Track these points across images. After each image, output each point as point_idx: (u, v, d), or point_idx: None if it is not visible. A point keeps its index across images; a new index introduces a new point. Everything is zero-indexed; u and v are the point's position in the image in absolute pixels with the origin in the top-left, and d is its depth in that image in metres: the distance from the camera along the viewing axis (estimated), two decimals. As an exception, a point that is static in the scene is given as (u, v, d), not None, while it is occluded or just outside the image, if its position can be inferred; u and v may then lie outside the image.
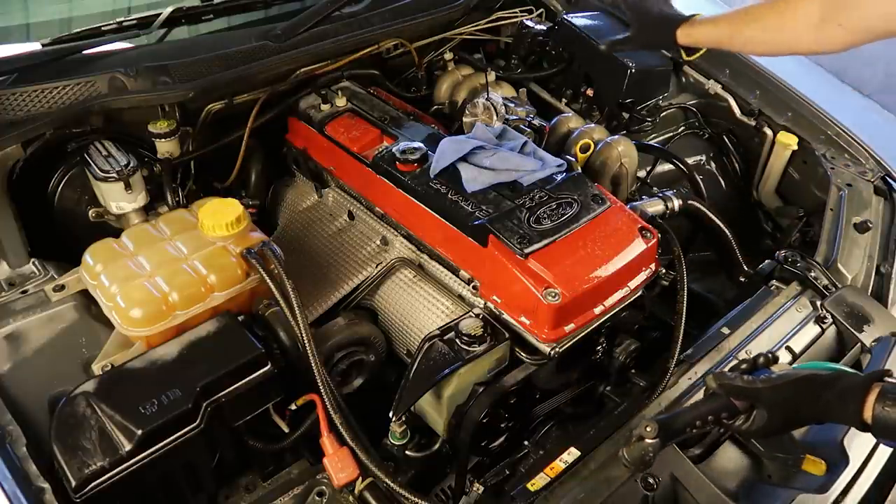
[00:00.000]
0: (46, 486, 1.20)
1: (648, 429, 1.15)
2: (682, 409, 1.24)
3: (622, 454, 1.19)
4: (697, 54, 1.80)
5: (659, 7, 1.79)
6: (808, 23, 1.49)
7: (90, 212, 1.70)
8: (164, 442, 1.24)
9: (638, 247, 1.51)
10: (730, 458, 1.46)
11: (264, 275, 1.44)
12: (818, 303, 1.67)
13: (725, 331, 1.60)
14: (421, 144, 1.68)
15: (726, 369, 1.24)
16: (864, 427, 1.08)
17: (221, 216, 1.52)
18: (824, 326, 1.63)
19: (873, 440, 1.46)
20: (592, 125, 1.94)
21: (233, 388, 1.32)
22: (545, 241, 1.45)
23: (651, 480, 1.31)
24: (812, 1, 1.48)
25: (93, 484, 1.19)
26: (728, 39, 1.69)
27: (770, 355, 1.22)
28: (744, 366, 1.21)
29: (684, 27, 1.70)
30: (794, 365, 1.21)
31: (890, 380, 1.09)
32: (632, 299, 1.55)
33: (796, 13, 1.51)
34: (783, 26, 1.55)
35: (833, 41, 1.49)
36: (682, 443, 1.39)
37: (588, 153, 1.87)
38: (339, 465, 1.31)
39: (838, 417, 1.12)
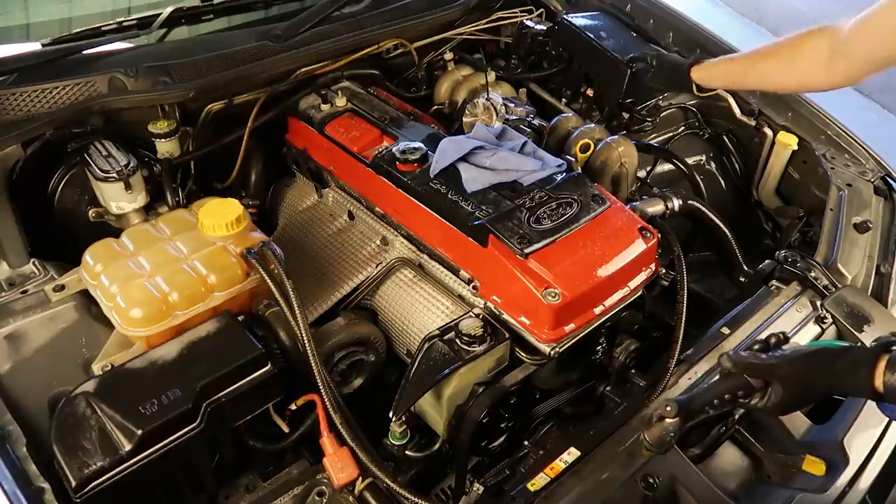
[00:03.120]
0: (46, 486, 1.20)
1: (669, 408, 1.16)
2: (699, 390, 1.26)
3: (643, 437, 1.20)
4: (710, 93, 1.84)
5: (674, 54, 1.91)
6: (819, 57, 1.52)
7: (90, 212, 1.71)
8: (164, 442, 1.24)
9: (638, 247, 1.51)
10: (730, 458, 1.46)
11: (264, 275, 1.44)
12: (818, 303, 1.67)
13: (725, 331, 1.60)
14: (421, 144, 1.68)
15: (741, 350, 1.27)
16: (876, 396, 1.12)
17: (221, 216, 1.52)
18: (824, 326, 1.63)
19: (873, 440, 1.47)
20: (592, 125, 1.94)
21: (233, 388, 1.31)
22: (545, 241, 1.45)
23: (651, 480, 1.31)
24: (822, 36, 1.52)
25: (93, 484, 1.19)
26: (742, 75, 1.75)
27: (781, 335, 1.24)
28: (756, 346, 1.24)
29: (698, 66, 1.77)
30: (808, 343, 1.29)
31: None
32: (632, 299, 1.55)
33: (806, 48, 1.55)
34: (795, 61, 1.58)
35: (843, 74, 1.52)
36: (683, 443, 1.39)
37: (588, 153, 1.87)
38: (339, 465, 1.31)
39: (850, 387, 1.17)
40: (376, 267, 1.66)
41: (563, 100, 2.25)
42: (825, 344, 1.26)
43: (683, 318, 1.56)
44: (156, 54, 1.83)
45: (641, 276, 1.54)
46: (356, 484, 1.31)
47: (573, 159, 1.78)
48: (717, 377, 1.29)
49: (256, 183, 1.93)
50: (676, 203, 1.80)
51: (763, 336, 1.26)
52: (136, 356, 1.35)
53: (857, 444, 1.46)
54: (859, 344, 1.30)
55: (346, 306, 1.67)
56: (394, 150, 1.67)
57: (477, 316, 1.44)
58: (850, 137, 2.08)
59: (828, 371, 1.17)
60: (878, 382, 1.10)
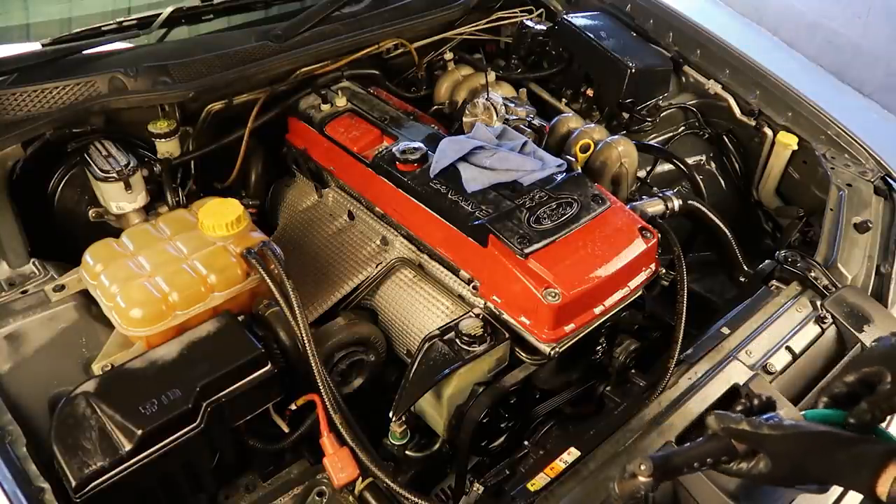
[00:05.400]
0: (46, 486, 1.20)
1: (643, 467, 1.06)
2: (679, 448, 1.15)
3: (612, 488, 1.09)
4: None
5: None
6: None
7: (90, 212, 1.71)
8: (164, 442, 1.24)
9: (638, 247, 1.51)
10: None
11: (264, 275, 1.44)
12: (818, 303, 1.66)
13: (725, 331, 1.60)
14: (421, 144, 1.68)
15: (730, 413, 1.12)
16: (874, 500, 0.99)
17: (221, 216, 1.52)
18: (824, 326, 1.63)
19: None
20: (592, 125, 1.94)
21: (233, 388, 1.32)
22: (545, 241, 1.45)
23: (651, 481, 1.30)
24: None
25: (93, 484, 1.19)
26: None
27: (766, 398, 1.12)
28: (755, 402, 1.11)
29: None
30: (805, 413, 1.12)
31: None
32: (632, 299, 1.55)
33: None
34: None
35: None
36: (683, 442, 1.39)
37: (588, 153, 1.87)
38: (339, 465, 1.31)
39: (848, 482, 1.03)
40: (376, 267, 1.66)
41: (563, 100, 2.26)
42: (826, 416, 1.09)
43: (683, 318, 1.55)
44: (156, 54, 1.83)
45: (641, 276, 1.54)
46: (356, 484, 1.31)
47: (573, 159, 1.78)
48: (699, 397, 1.19)
49: (256, 183, 1.93)
50: (676, 203, 1.80)
51: (746, 399, 1.12)
52: (136, 356, 1.35)
53: (857, 444, 1.46)
54: (855, 348, 1.10)
55: (346, 306, 1.67)
56: (394, 150, 1.67)
57: (477, 316, 1.44)
58: (850, 137, 2.08)
59: (827, 459, 1.02)
60: (882, 489, 0.96)
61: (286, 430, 1.42)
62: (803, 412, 1.14)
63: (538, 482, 1.32)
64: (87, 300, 1.51)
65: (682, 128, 2.35)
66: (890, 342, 1.18)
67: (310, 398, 1.39)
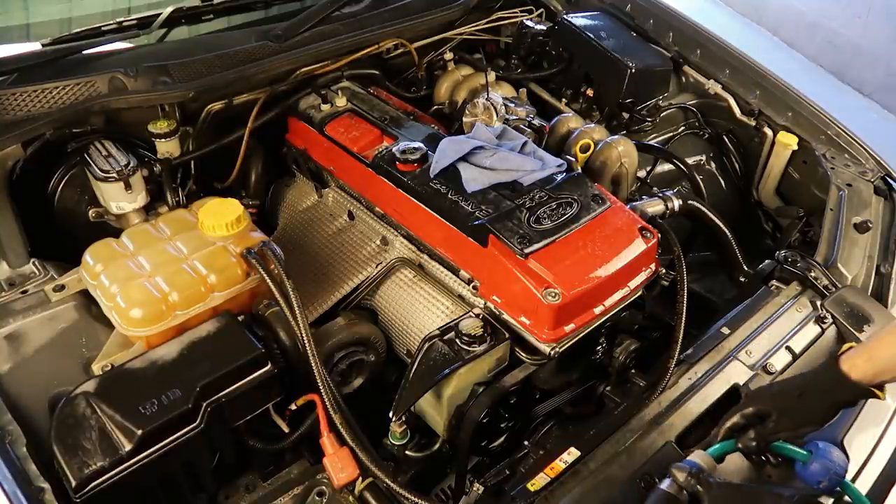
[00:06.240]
0: (46, 486, 1.20)
1: None
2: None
3: None
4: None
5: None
6: None
7: (90, 212, 1.71)
8: (164, 442, 1.24)
9: (638, 247, 1.51)
10: (730, 458, 1.46)
11: (264, 275, 1.44)
12: (818, 303, 1.67)
13: (725, 331, 1.60)
14: (421, 144, 1.68)
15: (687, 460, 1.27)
16: None
17: (221, 216, 1.52)
18: (824, 326, 1.63)
19: (874, 440, 1.46)
20: (592, 125, 1.94)
21: (233, 388, 1.32)
22: (545, 241, 1.45)
23: (651, 480, 1.30)
24: None
25: (93, 484, 1.19)
26: None
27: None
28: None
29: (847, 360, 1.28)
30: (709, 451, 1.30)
31: None
32: (632, 299, 1.55)
33: None
34: None
35: None
36: (682, 443, 1.39)
37: (588, 153, 1.87)
38: (339, 465, 1.31)
39: None
40: (376, 267, 1.66)
41: (563, 100, 2.26)
42: (727, 448, 1.31)
43: (683, 318, 1.55)
44: (156, 54, 1.83)
45: (641, 276, 1.54)
46: (356, 484, 1.31)
47: (573, 159, 1.78)
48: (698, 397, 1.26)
49: (256, 183, 1.93)
50: (676, 203, 1.80)
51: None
52: (136, 356, 1.35)
53: (857, 444, 1.46)
54: None
55: (346, 306, 1.67)
56: (394, 150, 1.67)
57: (477, 316, 1.44)
58: (850, 137, 2.08)
59: None
60: None
61: (286, 430, 1.42)
62: (707, 450, 1.30)
63: (538, 482, 1.32)
64: (87, 300, 1.51)
65: (682, 128, 2.35)
66: (777, 386, 1.42)
67: (310, 398, 1.39)
